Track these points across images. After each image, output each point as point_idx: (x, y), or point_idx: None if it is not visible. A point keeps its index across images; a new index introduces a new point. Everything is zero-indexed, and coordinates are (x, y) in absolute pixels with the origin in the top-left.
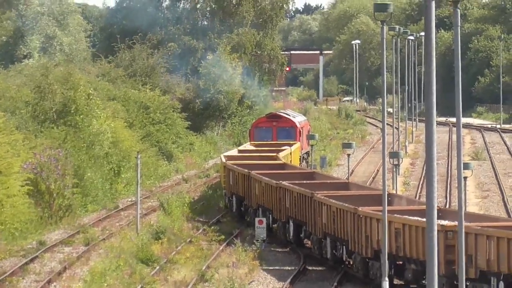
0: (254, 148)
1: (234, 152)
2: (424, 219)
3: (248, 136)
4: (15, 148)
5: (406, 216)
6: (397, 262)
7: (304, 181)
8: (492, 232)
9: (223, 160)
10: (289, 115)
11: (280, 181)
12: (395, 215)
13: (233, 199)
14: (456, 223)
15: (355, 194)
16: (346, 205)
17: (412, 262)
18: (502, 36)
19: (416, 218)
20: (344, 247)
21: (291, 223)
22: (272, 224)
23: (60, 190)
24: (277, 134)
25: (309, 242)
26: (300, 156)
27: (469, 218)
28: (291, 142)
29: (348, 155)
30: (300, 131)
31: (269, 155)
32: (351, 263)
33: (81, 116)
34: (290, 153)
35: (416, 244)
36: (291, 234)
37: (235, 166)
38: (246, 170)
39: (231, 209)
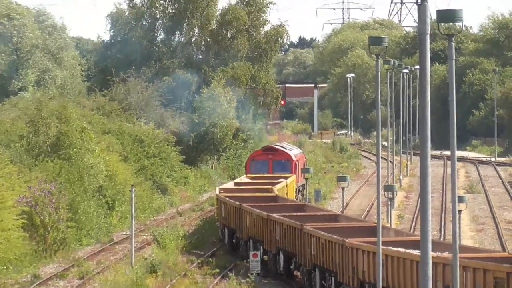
0: (250, 181)
1: (230, 184)
2: (407, 250)
3: (245, 169)
4: (9, 182)
5: (390, 247)
6: None
7: (295, 213)
8: (468, 263)
9: (218, 192)
10: (285, 148)
11: (271, 213)
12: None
13: (225, 231)
14: (435, 254)
15: (344, 226)
16: (335, 236)
17: None
18: (497, 69)
19: (398, 249)
20: (332, 278)
21: (281, 255)
22: (262, 256)
23: (55, 223)
24: (273, 167)
25: (299, 274)
26: (296, 189)
27: (446, 248)
28: (287, 175)
29: (343, 188)
30: (296, 164)
31: (265, 187)
32: None
33: (74, 150)
34: (286, 185)
35: (398, 275)
36: (281, 266)
37: (227, 199)
38: (237, 203)
39: (223, 241)
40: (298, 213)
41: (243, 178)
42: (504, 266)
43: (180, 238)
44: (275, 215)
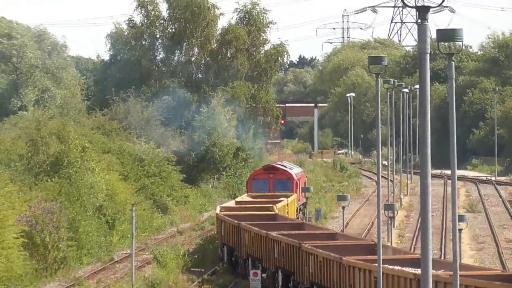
0: (251, 200)
1: (231, 203)
2: (403, 268)
3: (246, 188)
4: (9, 201)
5: (385, 265)
6: None
7: (293, 232)
8: (460, 281)
9: (218, 211)
10: (286, 167)
11: (269, 232)
12: (375, 264)
13: (224, 250)
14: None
15: (341, 244)
16: (332, 254)
17: None
18: (497, 88)
19: (393, 267)
20: None
21: (279, 273)
22: (262, 274)
23: (55, 242)
24: (274, 186)
25: None
26: (297, 208)
27: (444, 266)
28: (288, 193)
29: (343, 207)
30: (296, 183)
31: (266, 206)
32: None
33: (74, 169)
34: (287, 204)
35: None
36: (280, 284)
37: (225, 217)
38: (236, 221)
39: (222, 259)
40: (297, 231)
41: (245, 197)
42: (495, 283)
43: (181, 257)
44: (273, 233)
